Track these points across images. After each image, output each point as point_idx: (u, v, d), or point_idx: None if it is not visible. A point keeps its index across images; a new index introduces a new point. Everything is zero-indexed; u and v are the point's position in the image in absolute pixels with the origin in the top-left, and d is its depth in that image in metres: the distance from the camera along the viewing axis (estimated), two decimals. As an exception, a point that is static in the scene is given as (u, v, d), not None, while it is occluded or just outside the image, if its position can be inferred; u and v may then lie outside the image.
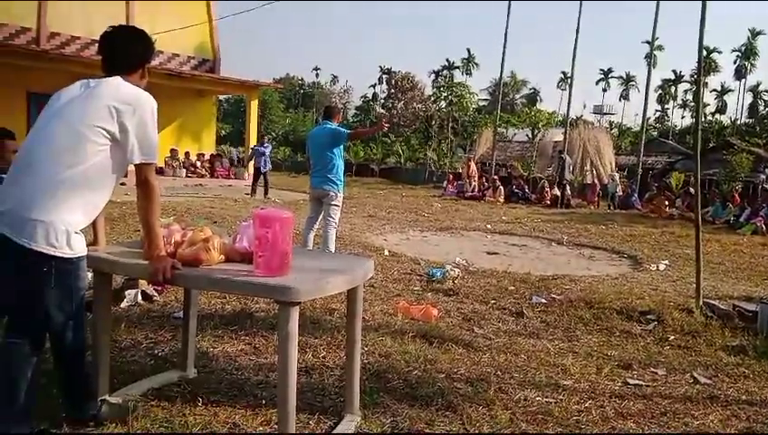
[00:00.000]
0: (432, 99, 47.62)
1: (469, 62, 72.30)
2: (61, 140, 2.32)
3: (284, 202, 14.49)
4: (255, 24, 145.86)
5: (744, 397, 3.51)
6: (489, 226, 12.29)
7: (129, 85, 2.44)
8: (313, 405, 3.02)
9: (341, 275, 2.63)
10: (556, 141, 27.52)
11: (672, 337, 4.63)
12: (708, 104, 65.60)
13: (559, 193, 19.19)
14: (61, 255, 2.25)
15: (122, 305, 4.48)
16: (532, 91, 77.28)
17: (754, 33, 65.70)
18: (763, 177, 20.98)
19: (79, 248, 2.32)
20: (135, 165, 2.42)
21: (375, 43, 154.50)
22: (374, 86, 70.70)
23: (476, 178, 21.60)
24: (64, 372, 2.50)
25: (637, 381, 3.65)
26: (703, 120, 49.78)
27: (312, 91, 74.65)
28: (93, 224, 2.60)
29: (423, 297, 5.47)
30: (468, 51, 73.09)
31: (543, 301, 5.51)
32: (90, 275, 2.65)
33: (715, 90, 68.33)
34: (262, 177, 16.27)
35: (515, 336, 4.47)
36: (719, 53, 66.04)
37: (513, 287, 6.00)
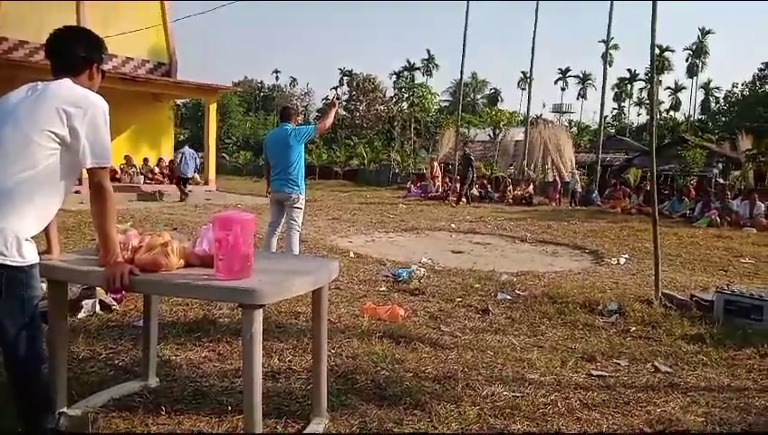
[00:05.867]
0: (394, 100, 47.80)
1: (429, 63, 72.82)
2: (9, 145, 2.23)
3: (246, 206, 14.31)
4: (212, 26, 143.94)
5: (702, 384, 3.61)
6: (453, 225, 12.36)
7: (79, 87, 2.36)
8: (280, 409, 2.97)
9: (305, 276, 2.60)
10: (517, 140, 27.93)
11: (633, 328, 4.73)
12: (663, 102, 67.62)
13: (459, 190, 18.58)
14: (11, 263, 2.16)
15: (80, 316, 4.35)
16: (493, 91, 78.09)
17: (704, 32, 67.87)
18: (715, 171, 21.69)
19: (30, 256, 2.23)
20: (87, 169, 2.33)
21: (334, 43, 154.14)
22: (336, 88, 70.53)
23: (440, 179, 21.73)
24: (20, 385, 2.39)
25: (600, 373, 3.72)
26: (658, 117, 51.14)
27: (272, 94, 73.96)
28: (46, 231, 2.50)
29: (389, 298, 5.47)
30: (428, 51, 73.74)
31: (508, 297, 5.56)
32: (44, 284, 2.55)
33: (668, 87, 70.33)
34: None
35: (481, 333, 4.51)
36: (672, 51, 68.10)
37: (478, 285, 6.04)
